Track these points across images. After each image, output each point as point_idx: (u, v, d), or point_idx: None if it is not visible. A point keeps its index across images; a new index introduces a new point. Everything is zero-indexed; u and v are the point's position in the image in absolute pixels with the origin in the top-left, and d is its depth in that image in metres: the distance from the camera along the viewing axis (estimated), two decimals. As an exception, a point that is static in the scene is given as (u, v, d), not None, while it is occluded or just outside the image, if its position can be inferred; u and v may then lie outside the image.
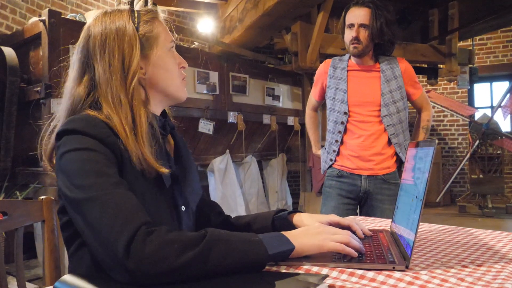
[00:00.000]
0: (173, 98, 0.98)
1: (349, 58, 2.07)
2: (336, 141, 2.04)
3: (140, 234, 0.70)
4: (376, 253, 0.83)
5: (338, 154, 2.05)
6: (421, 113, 2.14)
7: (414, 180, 0.89)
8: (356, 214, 2.09)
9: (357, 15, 1.96)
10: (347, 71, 2.04)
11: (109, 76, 0.87)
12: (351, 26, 1.97)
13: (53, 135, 0.87)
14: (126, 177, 0.82)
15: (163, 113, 1.01)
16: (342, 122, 2.02)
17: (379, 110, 1.97)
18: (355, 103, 2.00)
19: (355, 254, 0.80)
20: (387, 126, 1.97)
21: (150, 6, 2.94)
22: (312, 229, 0.84)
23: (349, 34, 1.98)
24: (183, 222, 0.94)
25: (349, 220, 1.02)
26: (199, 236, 0.72)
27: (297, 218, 1.03)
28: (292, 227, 1.02)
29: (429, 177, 0.78)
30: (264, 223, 1.04)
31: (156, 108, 0.97)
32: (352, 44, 1.97)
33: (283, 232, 0.81)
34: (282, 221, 1.03)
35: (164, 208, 0.90)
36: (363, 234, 0.99)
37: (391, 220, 1.12)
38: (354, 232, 0.97)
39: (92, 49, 0.90)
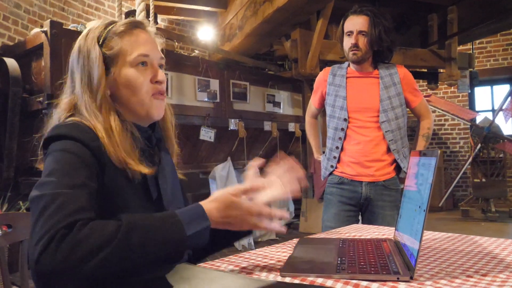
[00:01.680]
0: (141, 117, 0.93)
1: (348, 65, 2.08)
2: (337, 147, 2.05)
3: (56, 239, 0.66)
4: (380, 264, 0.83)
5: (338, 160, 2.05)
6: (421, 121, 2.14)
7: (418, 186, 0.89)
8: (357, 221, 2.09)
9: (355, 23, 1.97)
10: (346, 78, 2.05)
11: (82, 90, 0.90)
12: (350, 33, 1.98)
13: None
14: (109, 183, 0.81)
15: (152, 125, 0.98)
16: (342, 129, 2.02)
17: (378, 116, 1.98)
18: (355, 109, 2.00)
19: (282, 229, 0.84)
20: (386, 132, 1.97)
21: (151, 16, 2.95)
22: (228, 205, 0.81)
23: (348, 42, 1.99)
24: None
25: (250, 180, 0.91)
26: (114, 230, 0.69)
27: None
28: None
29: (432, 186, 0.78)
30: None
31: (139, 121, 0.94)
32: (352, 51, 1.98)
33: (202, 203, 0.81)
34: None
35: None
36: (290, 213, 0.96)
37: (394, 228, 1.12)
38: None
39: (73, 64, 0.93)
